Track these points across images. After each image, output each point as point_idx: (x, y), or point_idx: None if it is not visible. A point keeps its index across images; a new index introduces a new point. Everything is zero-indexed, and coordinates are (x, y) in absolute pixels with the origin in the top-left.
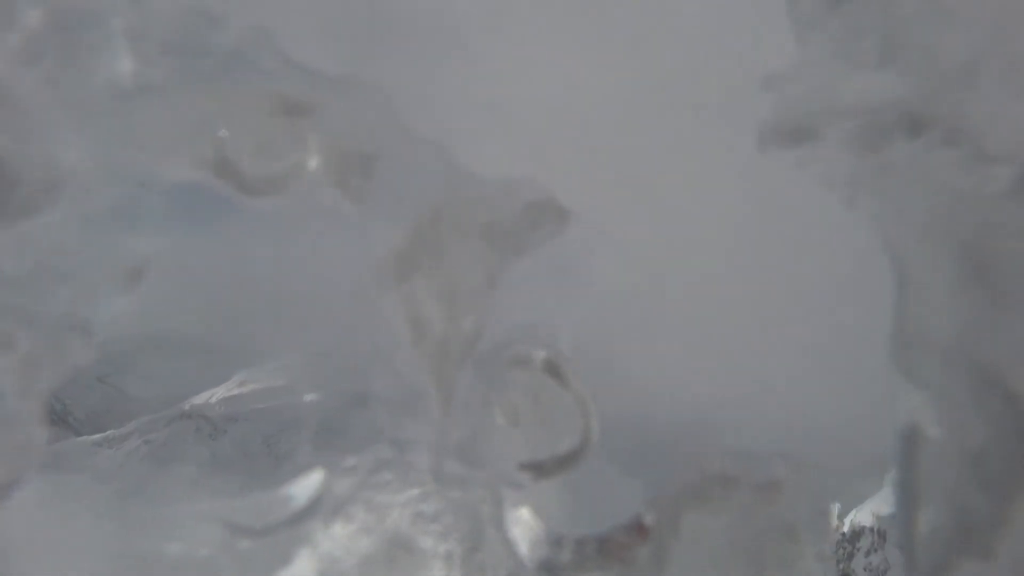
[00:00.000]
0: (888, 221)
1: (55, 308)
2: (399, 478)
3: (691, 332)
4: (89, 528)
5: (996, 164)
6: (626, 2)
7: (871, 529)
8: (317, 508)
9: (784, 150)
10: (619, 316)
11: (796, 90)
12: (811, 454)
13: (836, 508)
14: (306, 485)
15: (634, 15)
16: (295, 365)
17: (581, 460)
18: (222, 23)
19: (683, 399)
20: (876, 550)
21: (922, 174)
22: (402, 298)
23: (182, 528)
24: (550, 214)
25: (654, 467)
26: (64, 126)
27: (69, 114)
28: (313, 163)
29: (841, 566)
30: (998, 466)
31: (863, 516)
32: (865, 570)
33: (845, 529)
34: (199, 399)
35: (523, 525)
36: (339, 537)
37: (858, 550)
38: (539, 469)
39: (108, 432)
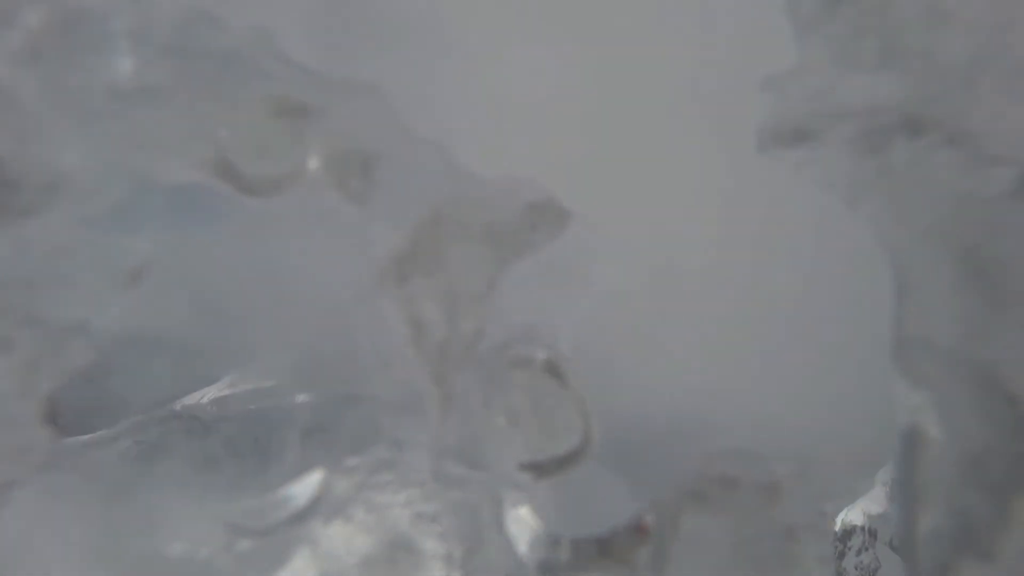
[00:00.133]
0: (888, 222)
1: (55, 309)
2: (399, 478)
3: (691, 332)
4: (84, 529)
5: (997, 166)
6: (626, 2)
7: (862, 528)
8: (317, 508)
9: (784, 151)
10: (619, 316)
11: (796, 91)
12: (811, 454)
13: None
14: (306, 485)
15: (633, 15)
16: (287, 365)
17: (581, 460)
18: (222, 24)
19: (683, 399)
20: (867, 549)
21: (923, 176)
22: (402, 298)
23: (182, 528)
24: (550, 214)
25: (654, 467)
26: (64, 126)
27: (69, 114)
28: (313, 164)
29: (834, 565)
30: (998, 467)
31: (854, 515)
32: (856, 569)
33: (837, 528)
34: (190, 399)
35: (522, 525)
36: (339, 537)
37: (849, 549)
38: (539, 469)
39: (98, 433)
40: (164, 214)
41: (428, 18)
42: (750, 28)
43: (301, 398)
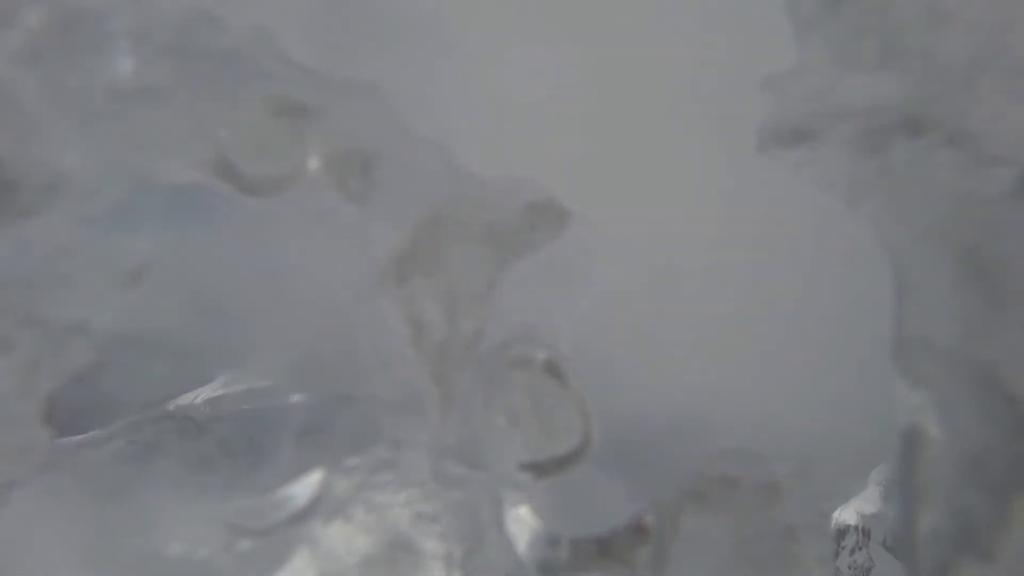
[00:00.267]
0: (888, 222)
1: (55, 309)
2: (399, 478)
3: (691, 332)
4: (79, 528)
5: (997, 165)
6: (626, 2)
7: (856, 528)
8: (317, 508)
9: (784, 151)
10: (619, 316)
11: (796, 91)
12: (811, 454)
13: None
14: (306, 485)
15: (633, 15)
16: (285, 365)
17: (581, 460)
18: (222, 24)
19: (683, 399)
20: (861, 548)
21: (923, 176)
22: (402, 298)
23: (179, 528)
24: (550, 214)
25: (654, 467)
26: (64, 126)
27: (69, 114)
28: (313, 164)
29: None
30: (998, 467)
31: (848, 515)
32: (850, 568)
33: (831, 527)
34: (184, 399)
35: (522, 524)
36: (339, 537)
37: (843, 548)
38: (539, 469)
39: (92, 433)
40: (164, 214)
41: (428, 18)
42: (750, 28)
43: (296, 398)
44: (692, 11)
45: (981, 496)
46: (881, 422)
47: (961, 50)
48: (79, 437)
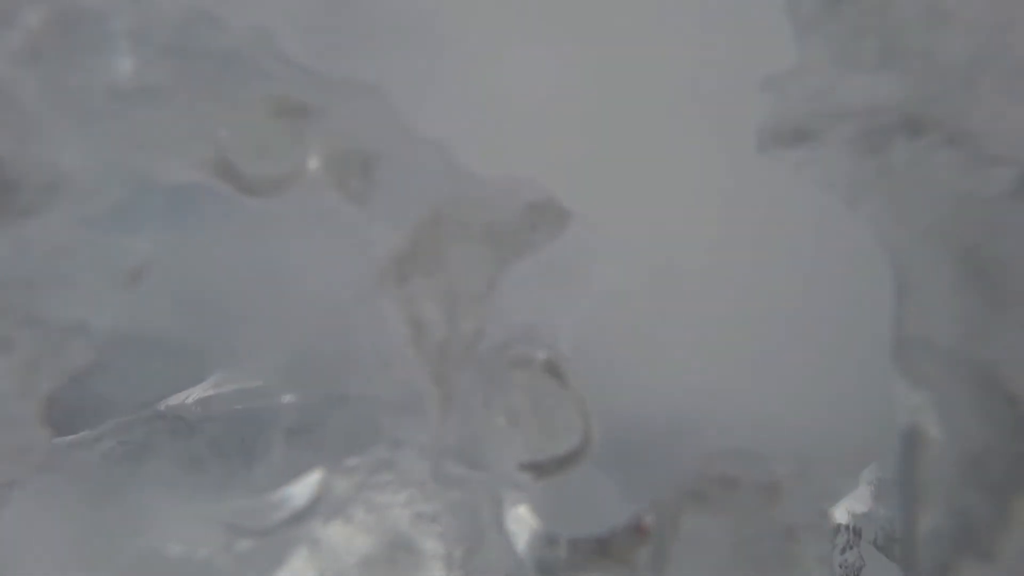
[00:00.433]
0: (888, 222)
1: (55, 309)
2: (399, 478)
3: (691, 332)
4: (69, 530)
5: (997, 165)
6: (626, 2)
7: (847, 527)
8: (317, 508)
9: (784, 151)
10: (619, 316)
11: (796, 91)
12: (811, 454)
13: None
14: (305, 485)
15: (633, 15)
16: (282, 366)
17: (581, 460)
18: (222, 24)
19: (683, 399)
20: (852, 547)
21: (923, 176)
22: (402, 298)
23: (172, 529)
24: (550, 214)
25: (654, 467)
26: (64, 126)
27: (69, 114)
28: (313, 164)
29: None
30: (998, 467)
31: (839, 514)
32: (841, 567)
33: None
34: (175, 400)
35: (521, 523)
36: (339, 537)
37: (834, 547)
38: (539, 469)
39: (81, 434)
40: (164, 214)
41: (428, 18)
42: (750, 28)
43: (288, 398)
44: (692, 11)
45: (981, 496)
46: (881, 422)
47: (961, 50)
48: (70, 438)
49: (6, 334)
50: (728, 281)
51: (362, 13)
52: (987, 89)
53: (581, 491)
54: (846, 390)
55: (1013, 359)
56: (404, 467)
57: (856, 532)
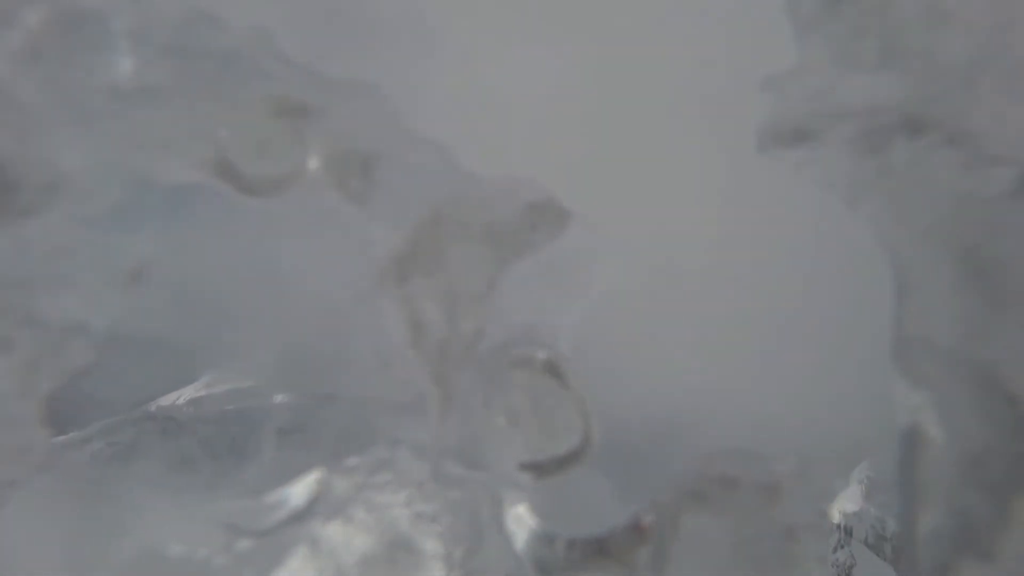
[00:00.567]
0: (888, 222)
1: (55, 309)
2: (399, 478)
3: (691, 332)
4: (61, 530)
5: (997, 165)
6: (626, 2)
7: (838, 526)
8: (316, 508)
9: (784, 151)
10: (619, 316)
11: (796, 91)
12: (811, 454)
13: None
14: (304, 485)
15: (633, 15)
16: (268, 365)
17: (581, 460)
18: (222, 24)
19: (683, 399)
20: (843, 546)
21: (923, 176)
22: (402, 298)
23: (170, 528)
24: (550, 214)
25: (654, 467)
26: (64, 126)
27: (69, 114)
28: (313, 164)
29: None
30: (998, 467)
31: (830, 513)
32: (832, 566)
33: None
34: (165, 400)
35: (520, 523)
36: (338, 537)
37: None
38: (539, 469)
39: (70, 435)
40: (164, 214)
41: (428, 19)
42: (750, 28)
43: (279, 398)
44: (692, 11)
45: (981, 496)
46: (881, 422)
47: (961, 50)
48: (61, 438)
49: (6, 334)
50: (728, 281)
51: (362, 14)
52: (987, 89)
53: (580, 491)
54: (846, 390)
55: (1013, 359)
56: (404, 467)
57: (847, 531)
